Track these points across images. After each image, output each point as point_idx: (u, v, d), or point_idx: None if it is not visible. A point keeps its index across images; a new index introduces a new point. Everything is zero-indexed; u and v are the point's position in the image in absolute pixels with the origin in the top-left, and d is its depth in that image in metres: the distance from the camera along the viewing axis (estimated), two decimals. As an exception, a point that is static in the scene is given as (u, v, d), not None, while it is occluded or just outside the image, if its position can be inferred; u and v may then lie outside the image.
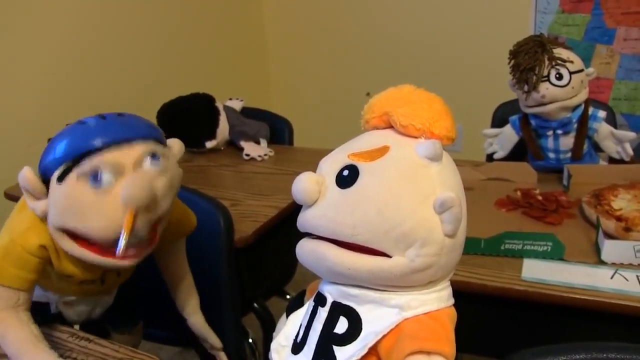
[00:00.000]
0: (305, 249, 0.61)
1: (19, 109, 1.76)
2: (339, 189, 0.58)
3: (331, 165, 0.61)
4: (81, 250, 0.73)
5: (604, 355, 0.63)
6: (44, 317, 0.88)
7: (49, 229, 0.74)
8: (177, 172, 0.79)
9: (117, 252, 0.71)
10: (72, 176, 0.70)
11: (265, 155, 1.66)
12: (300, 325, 0.66)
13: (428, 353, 0.55)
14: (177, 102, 1.70)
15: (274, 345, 0.67)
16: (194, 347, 1.34)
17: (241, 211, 1.27)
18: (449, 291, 0.62)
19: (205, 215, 1.04)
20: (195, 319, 1.00)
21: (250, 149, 1.68)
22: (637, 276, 0.89)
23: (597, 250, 0.96)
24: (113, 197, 0.70)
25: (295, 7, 2.81)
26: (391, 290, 0.58)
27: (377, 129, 0.64)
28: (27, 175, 0.72)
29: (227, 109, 1.75)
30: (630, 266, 0.92)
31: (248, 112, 1.84)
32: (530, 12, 2.27)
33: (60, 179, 0.70)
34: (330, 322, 0.61)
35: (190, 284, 0.99)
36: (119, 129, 0.73)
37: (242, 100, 1.86)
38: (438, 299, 0.60)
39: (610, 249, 0.94)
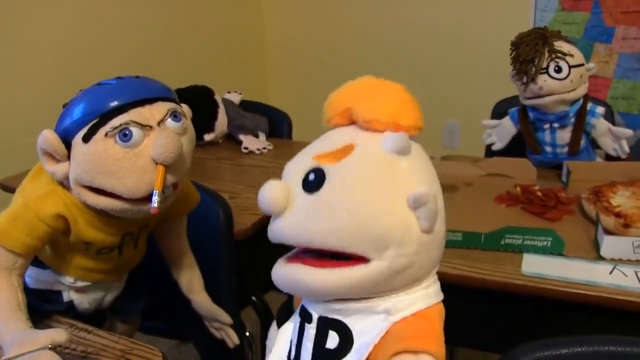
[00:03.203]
0: (281, 275, 0.58)
1: (15, 101, 1.75)
2: (306, 194, 0.55)
3: (296, 170, 0.58)
4: (109, 201, 0.74)
5: (605, 348, 0.64)
6: (56, 305, 0.89)
7: (72, 187, 0.74)
8: (193, 132, 0.80)
9: (152, 206, 0.72)
10: (99, 135, 0.70)
11: (264, 148, 1.66)
12: (291, 342, 0.64)
13: (415, 352, 0.53)
14: (176, 94, 1.70)
15: None
16: (191, 339, 1.34)
17: (240, 204, 1.26)
18: (436, 287, 0.60)
19: (204, 208, 1.04)
20: (201, 298, 0.99)
21: (248, 142, 1.68)
22: (636, 272, 0.90)
23: (597, 246, 0.97)
24: (142, 154, 0.71)
25: (293, 0, 2.81)
26: (375, 297, 0.56)
27: (340, 126, 0.60)
28: (49, 137, 0.71)
29: (226, 102, 1.75)
30: (629, 262, 0.93)
31: (247, 106, 1.83)
32: (530, 9, 2.27)
33: (86, 138, 0.70)
34: (320, 338, 0.59)
35: (193, 264, 0.99)
36: (141, 89, 0.74)
37: (240, 94, 1.86)
38: (425, 297, 0.57)
39: (609, 245, 0.94)
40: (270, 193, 0.55)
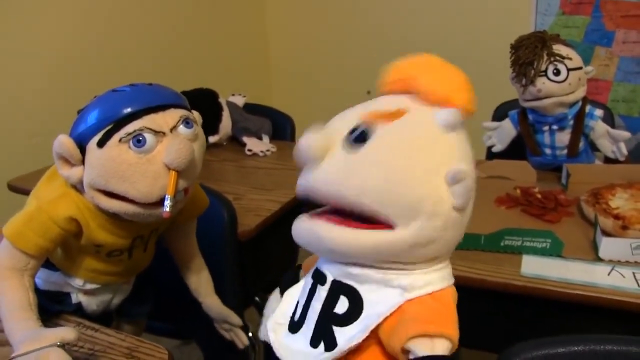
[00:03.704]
0: (303, 229, 0.58)
1: (21, 101, 1.76)
2: (347, 149, 0.54)
3: (342, 123, 0.57)
4: (121, 204, 0.75)
5: (601, 347, 0.65)
6: (64, 307, 0.90)
7: (85, 190, 0.76)
8: (204, 138, 0.82)
9: (164, 210, 0.74)
10: (113, 140, 0.71)
11: (268, 150, 1.68)
12: (298, 303, 0.64)
13: (431, 337, 0.53)
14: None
15: (270, 324, 0.65)
16: (195, 339, 1.36)
17: (244, 205, 1.28)
18: (449, 269, 0.60)
19: (209, 209, 1.05)
20: (212, 300, 1.01)
21: (252, 144, 1.69)
22: (634, 273, 0.91)
23: (595, 247, 0.98)
24: (155, 160, 0.72)
25: (297, 3, 2.82)
26: (394, 269, 0.56)
27: (394, 93, 0.60)
28: (65, 142, 0.73)
29: (230, 105, 1.77)
30: (627, 263, 0.94)
31: (251, 108, 1.85)
32: (531, 13, 2.28)
33: (101, 143, 0.72)
34: (331, 301, 0.59)
35: (203, 267, 1.01)
36: (154, 96, 0.75)
37: (244, 96, 1.88)
38: (441, 278, 0.58)
39: (608, 247, 0.95)
40: (310, 141, 0.55)
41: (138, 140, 0.71)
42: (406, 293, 0.56)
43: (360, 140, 0.54)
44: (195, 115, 0.82)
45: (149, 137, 0.72)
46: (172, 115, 0.75)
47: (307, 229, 0.58)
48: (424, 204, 0.53)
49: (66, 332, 0.71)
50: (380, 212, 0.53)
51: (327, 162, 0.55)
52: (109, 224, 0.80)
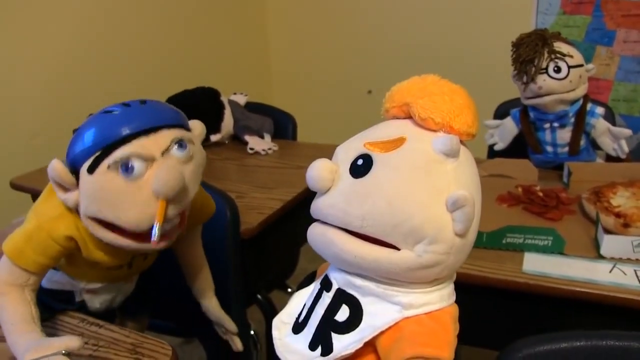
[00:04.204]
0: (316, 233, 0.60)
1: (23, 101, 1.77)
2: (352, 178, 0.57)
3: (347, 152, 0.59)
4: (115, 237, 0.74)
5: (604, 342, 0.66)
6: (67, 305, 0.90)
7: (81, 218, 0.75)
8: (201, 155, 0.79)
9: (152, 240, 0.72)
10: (102, 167, 0.70)
11: (270, 149, 1.68)
12: (305, 305, 0.66)
13: (427, 359, 0.54)
14: (183, 95, 1.72)
15: (275, 321, 0.67)
16: (198, 338, 1.36)
17: (246, 203, 1.29)
18: (451, 288, 0.61)
19: (211, 206, 1.06)
20: (211, 304, 1.01)
21: (254, 143, 1.70)
22: (635, 270, 0.91)
23: (597, 245, 0.99)
24: (144, 187, 0.70)
25: (297, 3, 2.83)
26: (395, 286, 0.58)
27: (397, 118, 0.61)
28: (57, 167, 0.71)
29: (232, 104, 1.77)
30: (628, 260, 0.95)
31: (252, 107, 1.86)
32: (532, 13, 2.29)
33: (91, 170, 0.70)
34: (333, 308, 0.61)
35: (207, 271, 1.01)
36: (145, 117, 0.73)
37: (246, 95, 1.88)
38: (440, 298, 0.58)
39: (609, 244, 0.96)
40: (318, 172, 0.58)
41: (126, 168, 0.69)
42: (404, 310, 0.57)
43: (363, 170, 0.57)
44: (196, 124, 0.80)
45: (137, 164, 0.70)
46: (164, 138, 0.72)
47: (320, 232, 0.60)
48: (426, 230, 0.54)
49: (71, 340, 0.70)
50: (383, 237, 0.56)
51: (333, 190, 0.58)
52: (106, 245, 0.78)
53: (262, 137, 1.75)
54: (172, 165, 0.71)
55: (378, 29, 2.66)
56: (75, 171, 0.73)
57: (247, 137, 1.72)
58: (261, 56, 2.93)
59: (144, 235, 0.73)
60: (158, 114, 0.75)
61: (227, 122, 1.72)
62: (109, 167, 0.69)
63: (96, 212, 0.72)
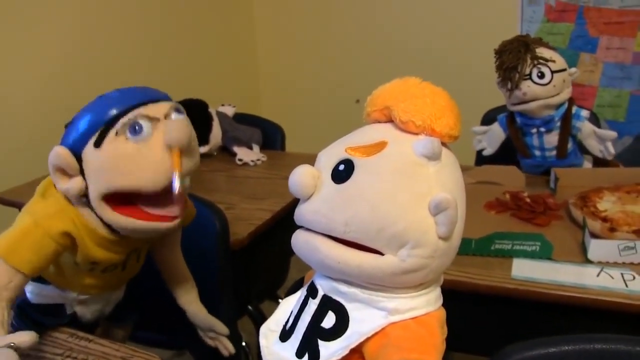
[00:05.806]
0: (300, 239, 0.60)
1: (10, 116, 1.76)
2: (334, 183, 0.56)
3: (328, 158, 0.59)
4: (126, 219, 0.75)
5: (591, 346, 0.66)
6: (59, 319, 0.89)
7: (93, 203, 0.75)
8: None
9: (173, 191, 0.73)
10: (110, 136, 0.72)
11: (258, 160, 1.68)
12: (291, 312, 0.65)
13: None
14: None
15: (263, 329, 0.67)
16: (188, 349, 1.35)
17: (235, 214, 1.29)
18: (437, 292, 0.60)
19: (201, 218, 1.05)
20: (196, 308, 1.00)
21: (243, 154, 1.70)
22: (622, 274, 0.92)
23: (584, 249, 1.00)
24: (155, 145, 0.72)
25: (285, 14, 2.84)
26: (380, 292, 0.57)
27: (379, 122, 0.61)
28: (61, 152, 0.72)
29: (220, 115, 1.77)
30: (615, 264, 0.96)
31: (240, 118, 1.86)
32: (517, 21, 2.32)
33: (98, 143, 0.72)
34: (319, 315, 0.60)
35: (188, 275, 1.00)
36: (143, 93, 0.77)
37: (234, 107, 1.89)
38: (426, 303, 0.58)
39: (596, 248, 0.97)
40: (300, 178, 0.58)
41: (134, 129, 0.72)
42: (390, 316, 0.57)
43: (344, 175, 0.56)
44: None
45: (145, 123, 0.72)
46: (164, 105, 0.76)
47: (304, 239, 0.59)
48: (410, 234, 0.54)
49: (21, 336, 0.69)
50: (366, 242, 0.55)
51: (315, 196, 0.58)
52: (105, 240, 0.79)
53: (250, 148, 1.75)
54: (179, 119, 0.75)
55: (365, 39, 2.68)
56: (75, 157, 0.73)
57: (235, 149, 1.72)
58: (249, 67, 2.94)
59: (153, 215, 0.75)
60: (153, 91, 0.79)
61: (216, 134, 1.72)
62: (117, 133, 0.72)
63: (109, 185, 0.73)
